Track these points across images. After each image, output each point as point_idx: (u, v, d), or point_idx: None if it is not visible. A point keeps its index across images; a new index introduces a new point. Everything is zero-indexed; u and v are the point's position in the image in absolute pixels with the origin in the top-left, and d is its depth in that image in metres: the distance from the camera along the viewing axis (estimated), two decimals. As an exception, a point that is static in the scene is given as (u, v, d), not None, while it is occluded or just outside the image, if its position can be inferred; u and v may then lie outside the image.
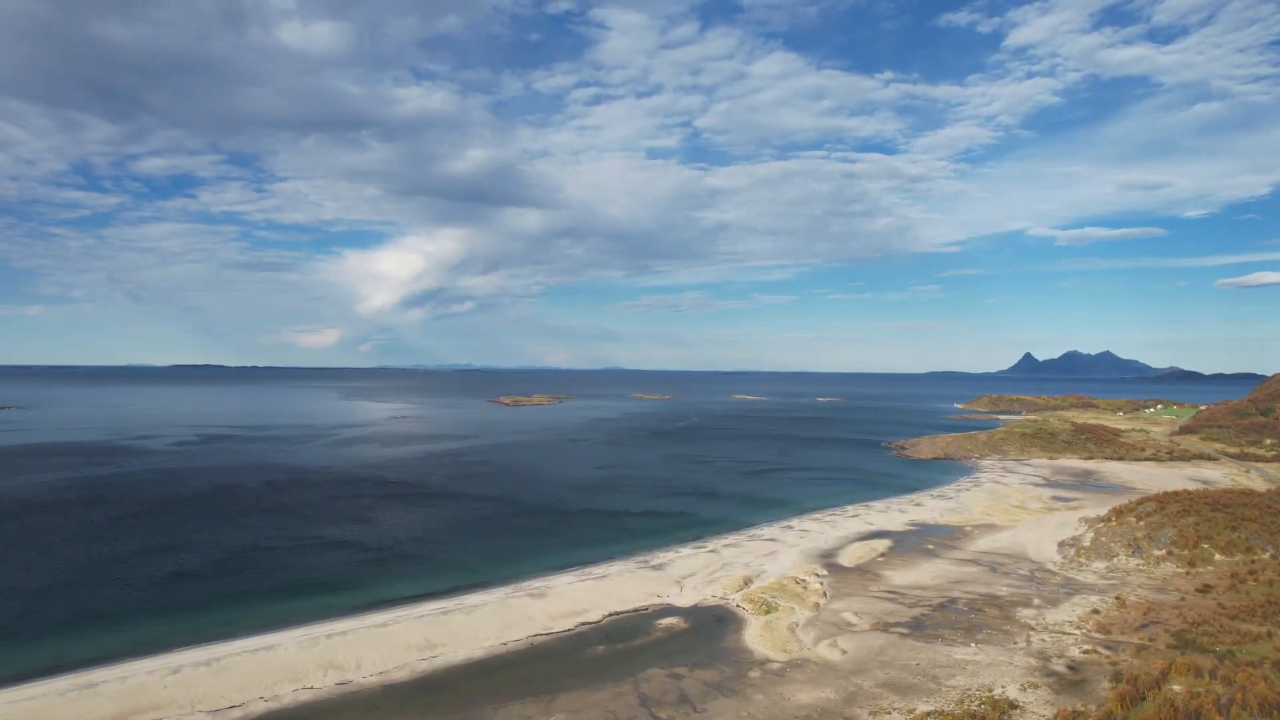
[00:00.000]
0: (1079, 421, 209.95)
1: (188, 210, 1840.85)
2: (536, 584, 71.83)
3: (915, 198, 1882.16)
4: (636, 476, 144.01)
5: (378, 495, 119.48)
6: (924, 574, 74.99)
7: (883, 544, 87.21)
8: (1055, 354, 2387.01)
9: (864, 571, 76.13)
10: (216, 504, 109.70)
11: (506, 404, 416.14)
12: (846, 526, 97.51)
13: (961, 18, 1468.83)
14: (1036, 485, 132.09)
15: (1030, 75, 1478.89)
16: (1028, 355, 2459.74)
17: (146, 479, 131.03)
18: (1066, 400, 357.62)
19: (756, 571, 75.38)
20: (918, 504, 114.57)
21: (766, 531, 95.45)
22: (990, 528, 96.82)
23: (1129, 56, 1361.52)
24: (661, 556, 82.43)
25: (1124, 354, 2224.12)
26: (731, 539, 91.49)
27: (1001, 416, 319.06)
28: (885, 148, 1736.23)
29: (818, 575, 74.20)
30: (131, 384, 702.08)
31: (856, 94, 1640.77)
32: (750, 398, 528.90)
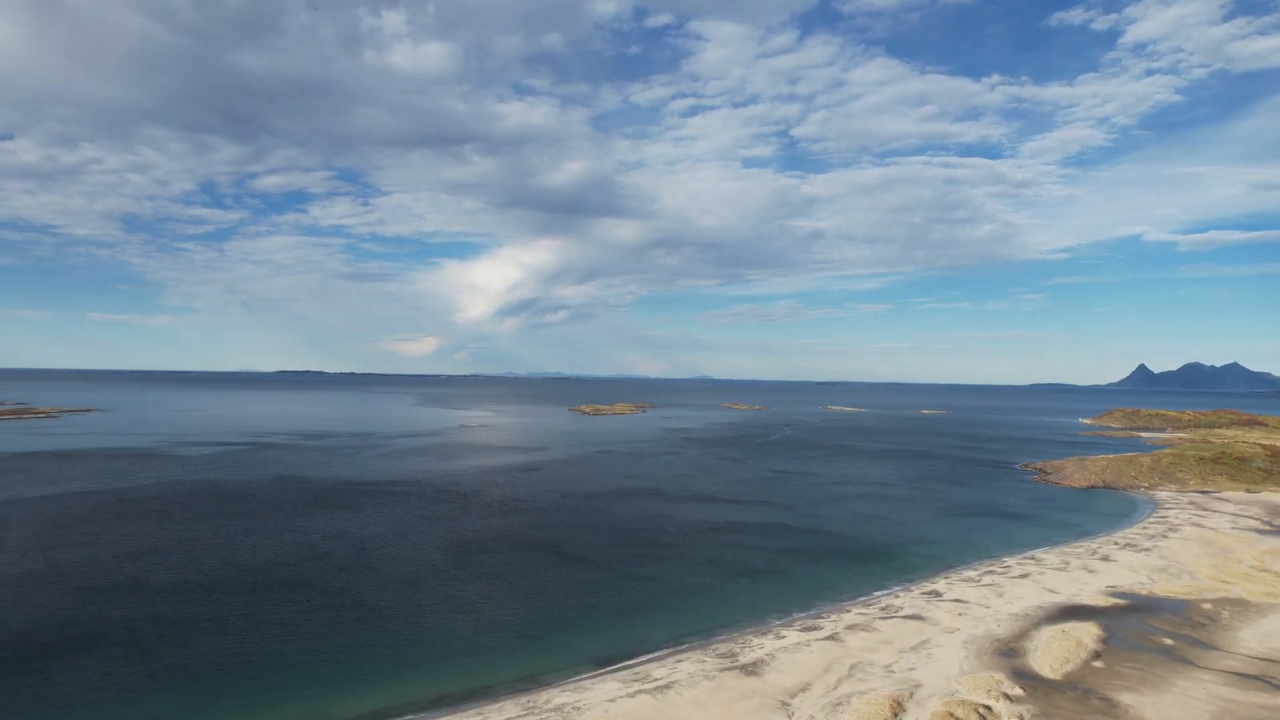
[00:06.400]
0: (1269, 444, 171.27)
1: (299, 224, 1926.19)
2: (543, 699, 46.42)
3: (1020, 204, 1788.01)
4: (713, 507, 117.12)
5: (376, 516, 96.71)
6: (1190, 704, 45.95)
7: (1088, 632, 58.03)
8: (1173, 366, 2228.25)
9: (1081, 690, 47.57)
10: (196, 515, 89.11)
11: (586, 413, 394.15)
12: (1019, 595, 68.42)
13: (1075, 16, 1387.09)
14: (1260, 532, 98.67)
15: (1150, 73, 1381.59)
16: (1142, 367, 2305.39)
17: (179, 483, 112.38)
18: (1223, 416, 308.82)
19: (907, 684, 47.95)
20: (1104, 557, 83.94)
21: (904, 600, 67.42)
22: (1241, 605, 66.02)
23: (1264, 48, 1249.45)
24: (754, 645, 55.72)
25: (1255, 366, 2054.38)
26: (856, 612, 63.97)
27: (1142, 434, 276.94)
28: (990, 152, 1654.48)
29: (1007, 696, 46.26)
30: (229, 389, 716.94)
31: (961, 98, 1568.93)
32: (847, 409, 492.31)
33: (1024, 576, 75.15)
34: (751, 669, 50.39)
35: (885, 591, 71.24)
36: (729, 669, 50.50)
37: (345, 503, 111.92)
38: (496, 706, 45.46)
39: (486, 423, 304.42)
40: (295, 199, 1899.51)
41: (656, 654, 54.31)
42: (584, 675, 50.45)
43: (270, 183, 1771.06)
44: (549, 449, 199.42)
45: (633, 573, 77.24)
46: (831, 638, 56.89)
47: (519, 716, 43.77)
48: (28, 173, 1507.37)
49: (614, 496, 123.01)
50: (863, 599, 69.00)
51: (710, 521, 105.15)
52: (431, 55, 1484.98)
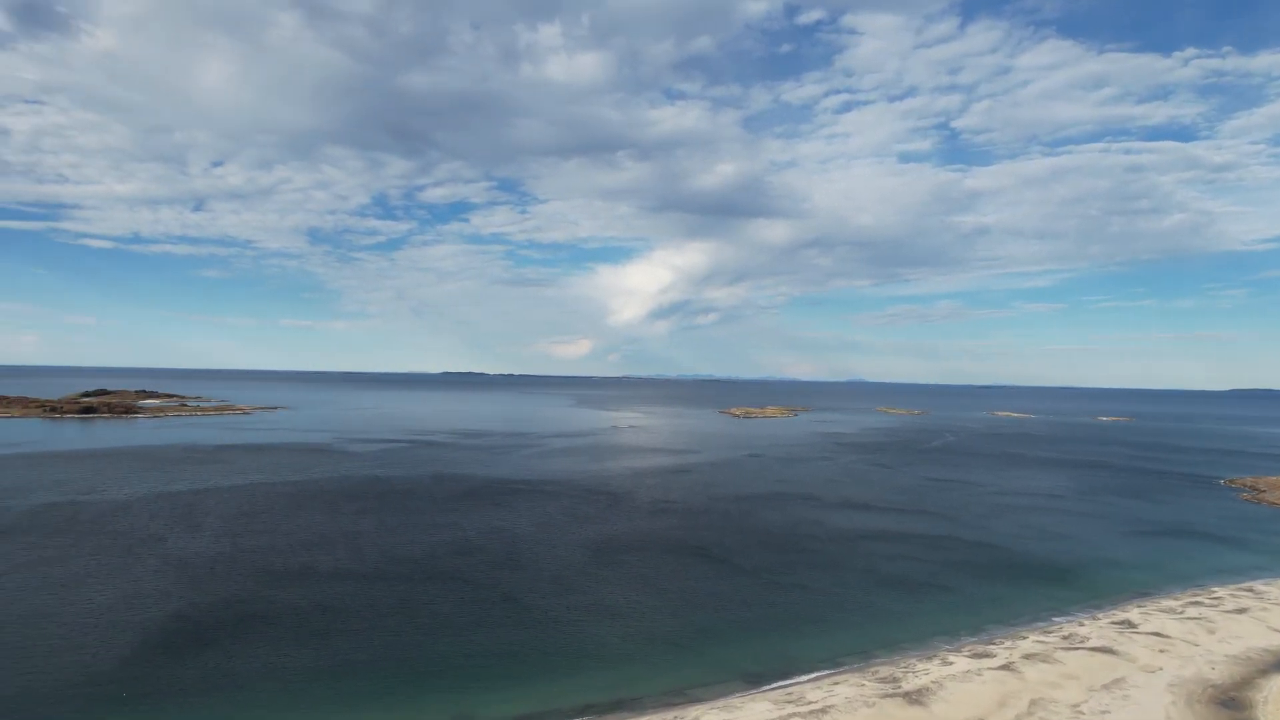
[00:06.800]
0: None
1: (462, 233, 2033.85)
2: (691, 717, 44.18)
3: (1219, 189, 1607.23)
4: (868, 515, 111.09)
5: (530, 520, 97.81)
6: None
7: (1327, 681, 49.52)
8: None
9: (1322, 752, 40.36)
10: (354, 510, 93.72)
11: (737, 415, 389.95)
12: (1236, 633, 59.75)
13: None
14: None
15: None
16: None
17: (348, 478, 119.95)
18: None
19: (1099, 729, 42.39)
20: (1340, 591, 72.35)
21: (1090, 630, 60.41)
22: None
23: None
24: (918, 670, 51.31)
25: None
26: (1033, 639, 57.87)
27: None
28: (1182, 134, 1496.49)
29: (1226, 752, 39.83)
30: (397, 389, 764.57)
31: (1146, 77, 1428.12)
32: (1014, 414, 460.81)
33: (1241, 611, 65.76)
34: (916, 698, 46.19)
35: (1066, 618, 64.28)
36: (890, 695, 46.56)
37: (499, 500, 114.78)
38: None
39: (637, 424, 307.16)
40: (459, 209, 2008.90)
41: (811, 675, 51.06)
42: (734, 693, 48.04)
43: (436, 194, 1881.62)
44: (699, 451, 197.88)
45: (783, 581, 73.96)
46: (1006, 667, 51.51)
47: (664, 733, 41.96)
48: (234, 194, 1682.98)
49: (764, 501, 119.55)
50: (1040, 624, 62.55)
51: (865, 530, 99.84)
52: (586, 65, 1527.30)
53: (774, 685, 49.39)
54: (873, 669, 51.90)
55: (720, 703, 46.39)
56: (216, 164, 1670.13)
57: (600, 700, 47.16)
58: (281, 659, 52.53)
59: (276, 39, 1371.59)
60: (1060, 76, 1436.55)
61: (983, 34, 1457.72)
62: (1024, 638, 58.42)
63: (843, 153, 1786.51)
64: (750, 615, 64.05)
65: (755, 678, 50.79)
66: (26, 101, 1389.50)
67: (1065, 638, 58.04)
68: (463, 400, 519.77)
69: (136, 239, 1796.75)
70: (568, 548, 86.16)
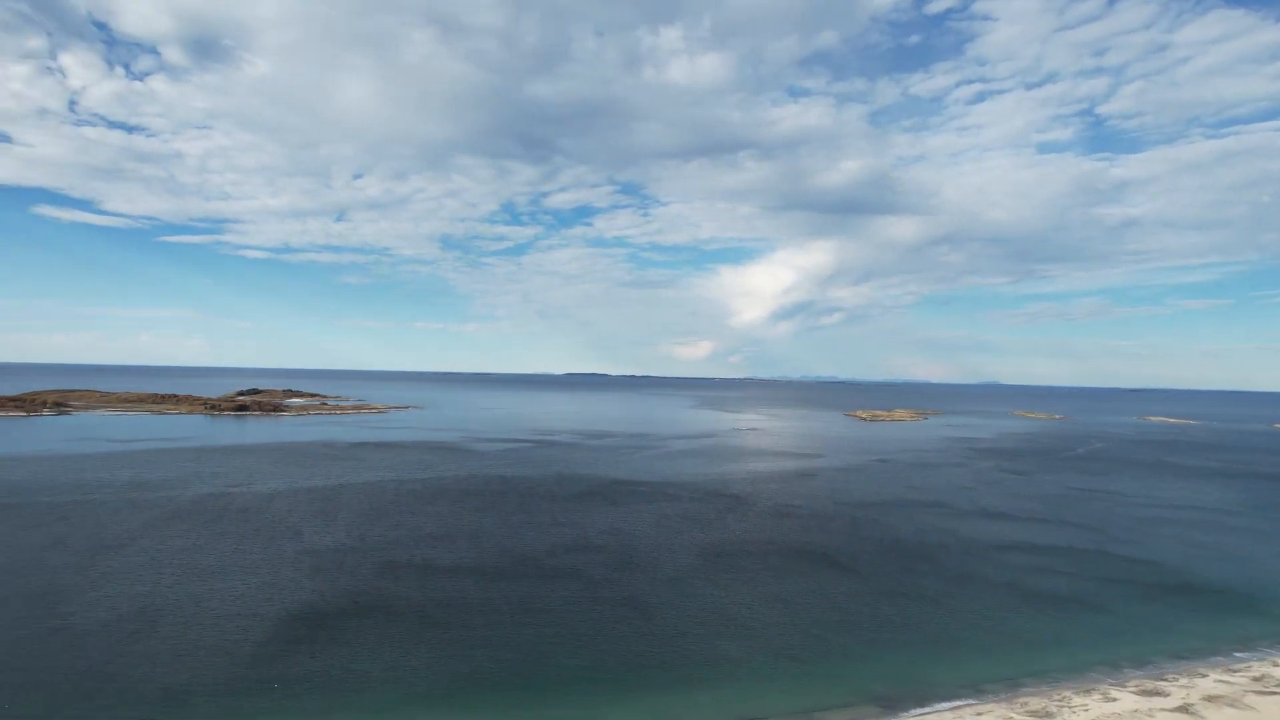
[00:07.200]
0: None
1: (586, 237, 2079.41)
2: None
3: None
4: (1006, 525, 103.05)
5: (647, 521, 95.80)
6: None
7: None
8: None
9: None
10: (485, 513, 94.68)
11: (863, 418, 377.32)
12: None
13: None
14: None
15: None
16: None
17: (473, 476, 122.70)
18: None
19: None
20: None
21: (1283, 670, 52.84)
22: None
23: None
24: (1075, 706, 45.88)
25: None
26: (1215, 678, 50.99)
27: None
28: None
29: None
30: (523, 389, 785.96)
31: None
32: (1170, 419, 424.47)
33: None
34: (1076, 738, 41.17)
35: (1255, 654, 56.59)
36: (1045, 734, 41.69)
37: (619, 500, 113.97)
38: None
39: (759, 426, 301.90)
40: (582, 213, 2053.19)
41: (952, 703, 46.67)
42: (866, 719, 44.28)
43: (561, 199, 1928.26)
44: (823, 455, 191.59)
45: (915, 595, 69.01)
46: (1184, 710, 45.39)
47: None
48: (372, 204, 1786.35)
49: (893, 508, 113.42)
50: (1221, 660, 55.30)
51: (1004, 541, 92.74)
52: (707, 67, 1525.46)
53: (910, 713, 45.43)
54: (1021, 700, 46.94)
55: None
56: (357, 176, 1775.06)
57: (722, 719, 44.56)
58: (403, 656, 52.74)
59: (412, 56, 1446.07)
60: (1228, 50, 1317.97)
61: (1134, 9, 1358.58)
62: (1203, 675, 51.61)
63: (975, 145, 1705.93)
64: (881, 633, 59.78)
65: (889, 702, 46.91)
66: (197, 127, 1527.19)
67: (1256, 679, 50.85)
68: (585, 401, 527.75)
69: (286, 249, 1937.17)
70: (687, 551, 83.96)
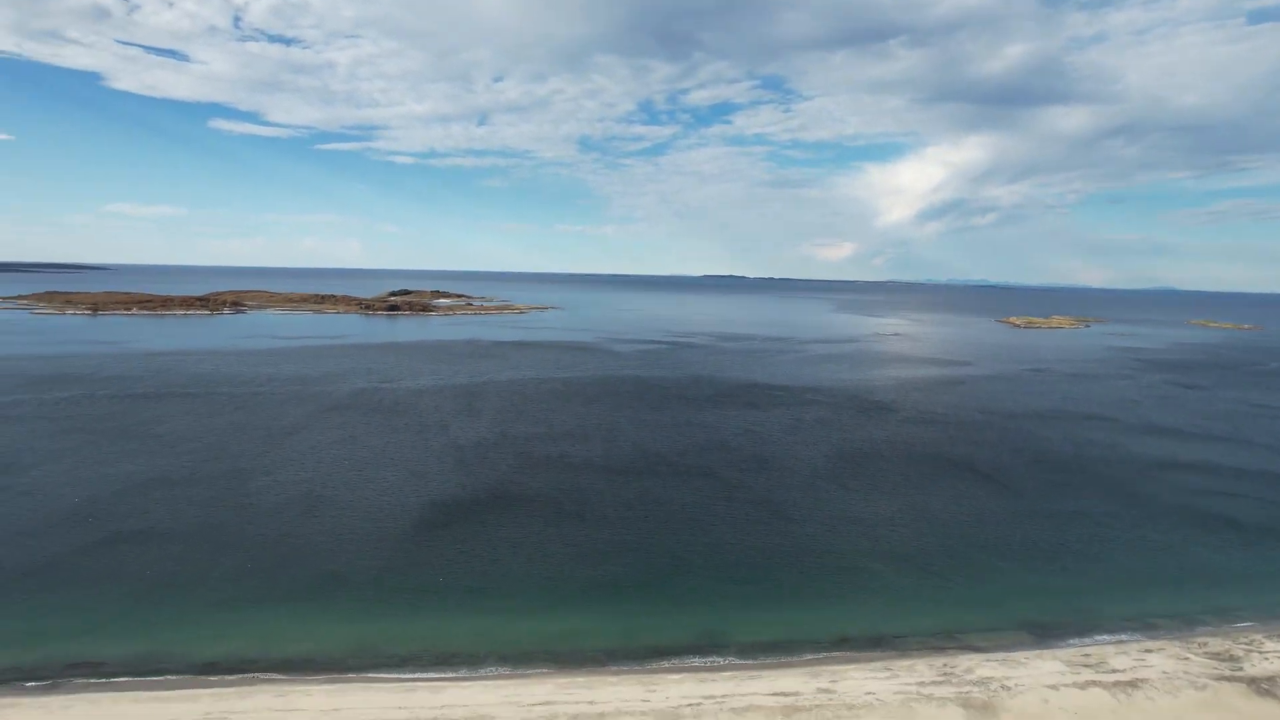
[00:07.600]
0: None
1: (725, 135, 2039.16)
2: (962, 667, 38.31)
3: None
4: (1177, 443, 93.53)
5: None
6: None
7: None
8: None
9: None
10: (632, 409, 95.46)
11: (1017, 325, 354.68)
12: None
13: None
14: None
15: None
16: None
17: (609, 376, 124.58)
18: None
19: None
20: None
21: None
22: None
23: None
24: (1266, 650, 40.96)
25: None
26: None
27: None
28: None
29: None
30: (660, 291, 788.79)
31: None
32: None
33: None
34: (1265, 687, 36.77)
35: None
36: (1227, 679, 37.52)
37: (754, 402, 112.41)
38: (907, 664, 39.12)
39: (902, 331, 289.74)
40: (721, 110, 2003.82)
41: (1115, 636, 42.92)
42: (1017, 647, 41.47)
43: (699, 97, 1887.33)
44: (971, 363, 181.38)
45: (1073, 515, 64.05)
46: (1400, 662, 39.70)
47: (933, 682, 36.96)
48: (512, 107, 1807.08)
49: (1048, 420, 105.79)
50: None
51: (1175, 459, 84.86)
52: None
53: (1066, 643, 42.07)
54: (1199, 640, 42.46)
55: (999, 655, 40.23)
56: (497, 79, 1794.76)
57: (859, 634, 42.91)
58: (540, 550, 54.01)
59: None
60: None
61: None
62: None
63: (1167, 19, 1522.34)
64: (1034, 555, 55.79)
65: (1042, 630, 43.66)
66: (346, 36, 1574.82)
67: None
68: (722, 303, 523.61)
69: (432, 153, 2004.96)
70: (824, 457, 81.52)
